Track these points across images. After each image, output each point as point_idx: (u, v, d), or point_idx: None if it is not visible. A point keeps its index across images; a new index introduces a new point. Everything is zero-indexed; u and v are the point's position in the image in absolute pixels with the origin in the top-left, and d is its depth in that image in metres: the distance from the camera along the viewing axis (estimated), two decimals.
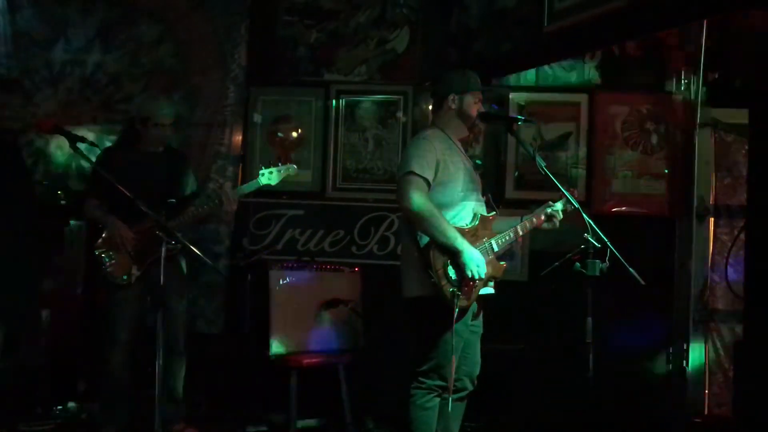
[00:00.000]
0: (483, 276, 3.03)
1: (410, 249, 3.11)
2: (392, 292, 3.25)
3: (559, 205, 3.30)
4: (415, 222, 3.05)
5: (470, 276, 2.99)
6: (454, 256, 3.00)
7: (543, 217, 3.27)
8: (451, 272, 3.00)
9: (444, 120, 3.26)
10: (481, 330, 3.29)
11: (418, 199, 3.00)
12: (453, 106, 3.23)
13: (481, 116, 3.30)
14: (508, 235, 3.19)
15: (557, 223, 3.27)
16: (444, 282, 2.98)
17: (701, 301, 4.56)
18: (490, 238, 3.15)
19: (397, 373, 3.38)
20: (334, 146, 4.96)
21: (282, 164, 4.05)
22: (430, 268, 2.98)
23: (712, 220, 4.60)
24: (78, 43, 5.02)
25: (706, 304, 4.56)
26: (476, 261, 3.00)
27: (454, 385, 3.15)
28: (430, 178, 3.06)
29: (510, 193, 4.74)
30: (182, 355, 3.96)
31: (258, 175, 4.01)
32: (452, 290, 2.96)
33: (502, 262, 3.21)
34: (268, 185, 4.02)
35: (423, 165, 3.05)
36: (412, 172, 3.04)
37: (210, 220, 4.76)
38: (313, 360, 4.20)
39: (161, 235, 3.30)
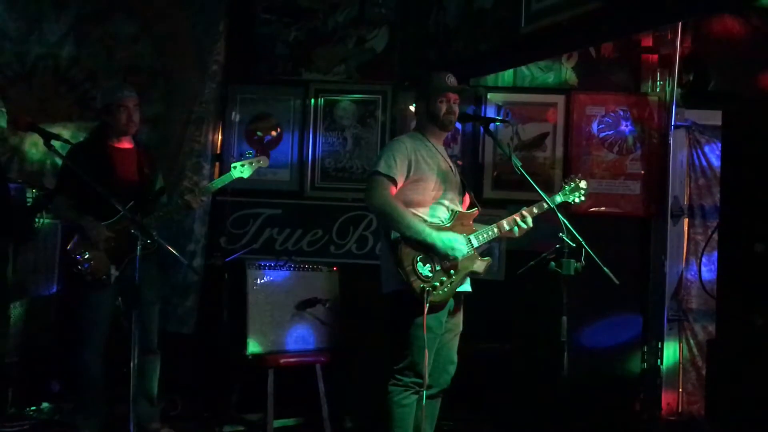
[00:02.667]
0: (465, 254, 3.06)
1: (384, 246, 3.17)
2: (370, 291, 3.25)
3: (544, 205, 3.25)
4: (380, 219, 3.14)
5: (452, 257, 3.03)
6: (428, 248, 3.04)
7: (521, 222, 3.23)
8: (421, 268, 3.03)
9: (421, 125, 3.35)
10: (459, 329, 3.30)
11: (378, 197, 3.08)
12: (422, 111, 3.32)
13: (460, 117, 3.32)
14: (491, 230, 3.21)
15: (516, 232, 3.23)
16: (413, 278, 3.02)
17: (675, 300, 4.62)
18: (468, 234, 3.18)
19: (375, 372, 3.38)
20: (312, 145, 4.95)
21: (254, 157, 4.03)
22: (399, 265, 3.03)
23: (686, 220, 4.66)
24: (52, 38, 4.96)
25: (679, 303, 4.62)
26: (450, 242, 3.05)
27: (428, 384, 3.16)
28: (397, 176, 3.12)
29: (488, 192, 4.76)
30: (157, 354, 3.93)
31: (230, 169, 3.99)
32: (422, 286, 3.00)
33: (486, 258, 3.23)
34: (241, 178, 3.99)
35: (390, 164, 3.12)
36: (377, 172, 3.12)
37: (185, 218, 4.73)
38: (291, 359, 4.19)
39: (137, 234, 3.27)
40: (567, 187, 3.37)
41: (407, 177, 3.14)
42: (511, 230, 3.23)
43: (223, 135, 4.97)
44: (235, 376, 4.32)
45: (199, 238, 4.85)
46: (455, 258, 3.06)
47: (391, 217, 3.06)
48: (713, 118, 4.43)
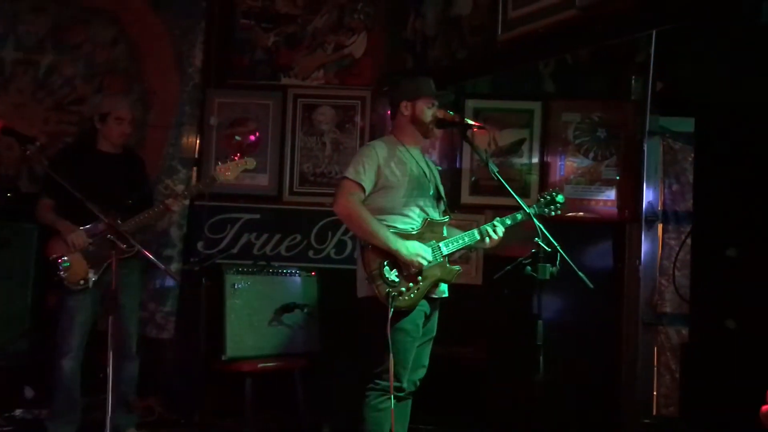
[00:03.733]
0: (429, 262, 3.07)
1: (358, 250, 3.19)
2: (349, 296, 3.26)
3: (518, 216, 3.27)
4: (346, 224, 3.22)
5: (417, 266, 3.04)
6: (394, 256, 3.05)
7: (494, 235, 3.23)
8: (387, 273, 3.05)
9: (398, 127, 3.31)
10: (433, 333, 3.31)
11: (344, 202, 3.10)
12: (406, 113, 3.27)
13: (437, 122, 3.32)
14: (462, 239, 3.22)
15: (487, 242, 3.23)
16: (379, 282, 3.04)
17: (650, 304, 4.67)
18: (438, 241, 3.18)
19: (354, 377, 3.39)
20: (291, 150, 4.95)
21: (239, 159, 3.99)
22: (366, 268, 3.06)
23: (660, 225, 4.72)
24: (29, 42, 4.93)
25: (654, 308, 4.67)
26: (415, 251, 3.06)
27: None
28: (365, 182, 3.12)
29: (465, 198, 4.79)
30: (134, 360, 3.92)
31: (215, 171, 3.96)
32: (388, 290, 3.02)
33: (456, 267, 3.24)
34: (226, 180, 3.97)
35: (358, 170, 3.12)
36: (345, 177, 3.14)
37: (160, 223, 4.71)
38: (268, 364, 4.18)
39: (114, 239, 3.27)
40: (542, 200, 3.36)
41: (376, 183, 3.14)
42: (482, 239, 3.22)
43: (200, 139, 4.96)
44: (212, 381, 4.30)
45: (175, 243, 4.82)
46: (420, 266, 3.07)
47: (356, 224, 3.10)
48: (686, 125, 4.50)
